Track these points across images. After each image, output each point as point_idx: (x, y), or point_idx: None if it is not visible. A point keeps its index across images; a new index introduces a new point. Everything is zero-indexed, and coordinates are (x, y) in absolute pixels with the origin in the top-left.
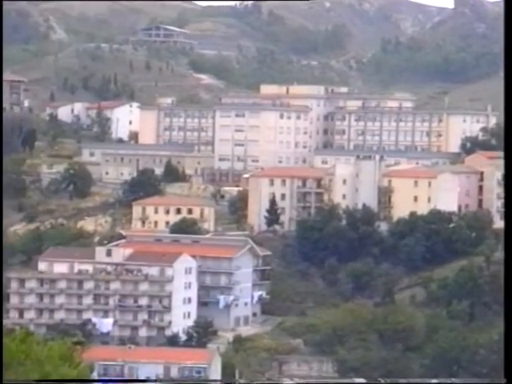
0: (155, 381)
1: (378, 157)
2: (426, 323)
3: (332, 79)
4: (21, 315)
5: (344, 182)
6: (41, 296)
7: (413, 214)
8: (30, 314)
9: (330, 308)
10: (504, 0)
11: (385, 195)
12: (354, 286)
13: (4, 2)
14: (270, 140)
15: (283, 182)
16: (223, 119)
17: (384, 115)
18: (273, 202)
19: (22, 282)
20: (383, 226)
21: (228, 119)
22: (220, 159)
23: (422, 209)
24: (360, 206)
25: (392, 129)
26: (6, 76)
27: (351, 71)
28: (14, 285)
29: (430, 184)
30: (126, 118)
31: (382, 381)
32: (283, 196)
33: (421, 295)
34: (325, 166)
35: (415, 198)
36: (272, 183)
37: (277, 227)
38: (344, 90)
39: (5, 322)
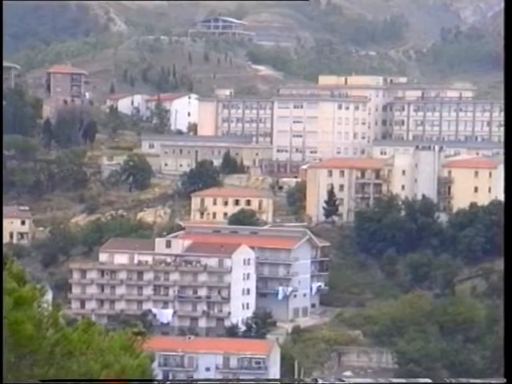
0: (156, 381)
1: (437, 147)
2: (486, 314)
3: (390, 69)
4: (82, 305)
5: (403, 172)
6: (102, 287)
7: (473, 205)
8: (91, 305)
9: (388, 299)
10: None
11: (444, 186)
12: (412, 277)
13: None
14: (328, 131)
15: (342, 173)
16: (281, 110)
17: (444, 105)
18: (331, 193)
19: (83, 272)
20: (443, 217)
21: (286, 110)
22: (278, 150)
23: (483, 199)
24: (419, 197)
25: (452, 119)
26: (67, 69)
27: (410, 61)
28: (75, 275)
29: (490, 174)
30: (184, 110)
31: (448, 380)
32: (342, 187)
33: (481, 286)
34: (383, 156)
35: (475, 189)
36: (330, 174)
37: (335, 218)
38: (403, 80)
39: (67, 312)
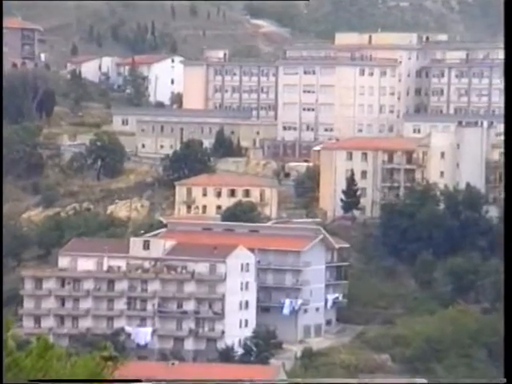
0: (155, 381)
1: (485, 123)
2: None
3: (427, 24)
4: (37, 323)
5: (442, 155)
6: (62, 299)
7: None
8: (48, 322)
9: (423, 315)
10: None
11: (494, 172)
12: (454, 288)
13: None
14: (347, 103)
15: (364, 155)
16: (288, 77)
17: (494, 70)
18: (351, 181)
19: (38, 281)
20: (492, 211)
21: (294, 77)
22: (284, 128)
23: None
24: (462, 186)
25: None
26: (17, 23)
27: (452, 14)
28: (28, 285)
29: None
30: (166, 77)
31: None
32: (364, 174)
33: None
34: (417, 135)
35: None
36: (350, 157)
37: (356, 213)
38: (443, 37)
39: (18, 331)
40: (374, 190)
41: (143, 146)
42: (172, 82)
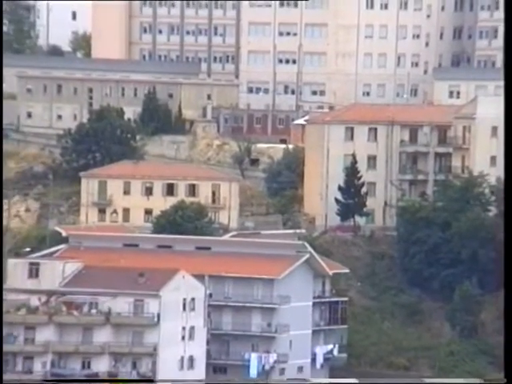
0: (155, 381)
1: None
2: None
3: None
4: None
5: (493, 131)
6: None
7: None
8: None
9: (464, 376)
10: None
11: None
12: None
13: None
14: (347, 50)
15: (373, 132)
16: (256, 11)
17: None
18: (352, 171)
19: None
20: None
21: (266, 11)
22: (250, 90)
23: None
24: None
25: None
26: None
27: None
28: None
29: None
30: (65, 9)
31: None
32: (373, 161)
33: None
34: (455, 100)
35: None
36: (351, 136)
37: (360, 221)
38: None
39: None
40: (387, 187)
41: (29, 115)
42: (74, 16)
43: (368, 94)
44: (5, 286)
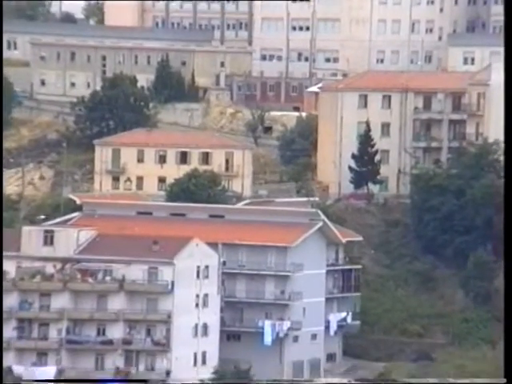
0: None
1: None
2: None
3: None
4: None
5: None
6: None
7: None
8: None
9: (480, 347)
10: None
11: None
12: None
13: None
14: (360, 17)
15: (386, 100)
16: None
17: None
18: (366, 138)
19: None
20: None
21: None
22: (264, 57)
23: None
24: None
25: None
26: None
27: None
28: None
29: None
30: None
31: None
32: (386, 128)
33: None
34: (469, 67)
35: None
36: (364, 103)
37: (374, 188)
38: None
39: None
40: (401, 154)
41: (43, 83)
42: None
43: (382, 60)
44: (19, 253)
